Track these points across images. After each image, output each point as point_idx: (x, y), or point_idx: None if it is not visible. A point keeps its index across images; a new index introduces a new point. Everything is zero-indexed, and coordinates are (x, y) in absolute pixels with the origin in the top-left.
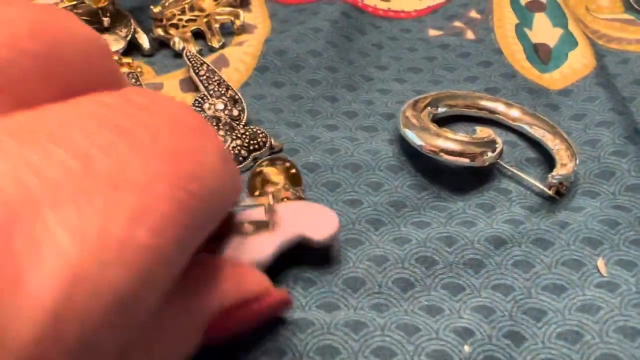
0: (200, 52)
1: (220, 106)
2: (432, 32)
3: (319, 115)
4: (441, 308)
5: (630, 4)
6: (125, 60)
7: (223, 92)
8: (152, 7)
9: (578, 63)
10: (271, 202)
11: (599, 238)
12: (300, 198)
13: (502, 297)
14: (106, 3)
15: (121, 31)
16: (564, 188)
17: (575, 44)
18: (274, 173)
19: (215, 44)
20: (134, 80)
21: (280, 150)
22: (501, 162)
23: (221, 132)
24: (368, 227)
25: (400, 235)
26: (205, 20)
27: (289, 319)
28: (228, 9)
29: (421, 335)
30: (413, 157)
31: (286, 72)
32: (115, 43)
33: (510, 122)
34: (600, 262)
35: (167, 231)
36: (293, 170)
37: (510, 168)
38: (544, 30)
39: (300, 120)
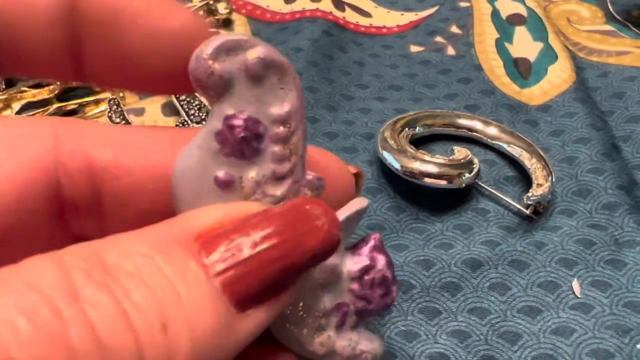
0: None
1: None
2: (414, 48)
3: None
4: (417, 333)
5: (612, 14)
6: None
7: (203, 116)
8: None
9: (557, 78)
10: None
11: (575, 258)
12: None
13: (478, 321)
14: None
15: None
16: (541, 207)
17: (555, 57)
18: None
19: None
20: (115, 106)
21: None
22: (479, 182)
23: None
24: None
25: None
26: None
27: None
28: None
29: None
30: (392, 178)
31: None
32: None
33: (488, 140)
34: (576, 283)
35: None
36: None
37: (488, 188)
38: (524, 45)
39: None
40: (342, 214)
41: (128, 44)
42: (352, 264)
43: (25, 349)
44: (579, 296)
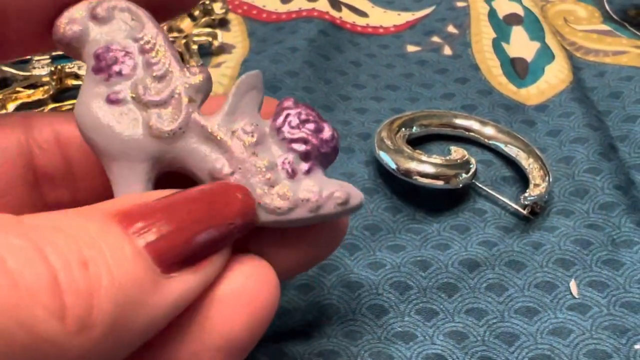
0: None
1: None
2: (410, 48)
3: None
4: (414, 334)
5: (609, 14)
6: None
7: None
8: None
9: (554, 78)
10: None
11: (572, 259)
12: None
13: (475, 322)
14: None
15: None
16: (538, 207)
17: (552, 57)
18: None
19: None
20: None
21: None
22: (476, 182)
23: None
24: (343, 252)
25: (375, 260)
26: (183, 41)
27: (264, 351)
28: (206, 30)
29: None
30: (388, 178)
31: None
32: None
33: (485, 140)
34: (573, 284)
35: None
36: None
37: (485, 188)
38: (521, 44)
39: None
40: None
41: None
42: (269, 121)
43: None
44: (577, 297)
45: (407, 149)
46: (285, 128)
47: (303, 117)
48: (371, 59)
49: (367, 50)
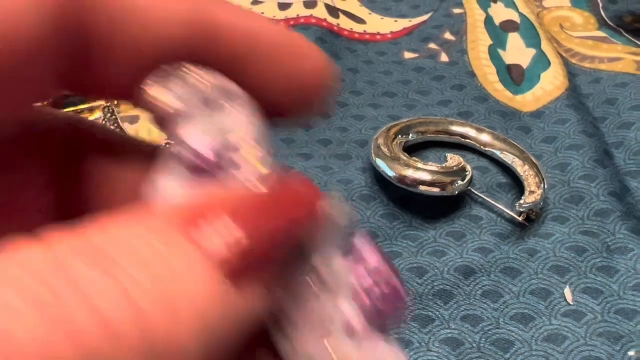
0: None
1: None
2: (407, 55)
3: (294, 143)
4: (411, 341)
5: (605, 21)
6: None
7: None
8: None
9: (550, 84)
10: None
11: (567, 266)
12: None
13: (470, 329)
14: None
15: None
16: (534, 214)
17: (548, 64)
18: None
19: None
20: (109, 114)
21: None
22: (472, 190)
23: None
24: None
25: None
26: None
27: None
28: None
29: None
30: (385, 185)
31: None
32: None
33: (481, 147)
34: (568, 291)
35: None
36: None
37: (481, 195)
38: (517, 51)
39: (274, 150)
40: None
41: None
42: (343, 263)
43: (32, 335)
44: (571, 303)
45: (404, 157)
46: (356, 279)
47: (378, 272)
48: (368, 65)
49: (365, 57)
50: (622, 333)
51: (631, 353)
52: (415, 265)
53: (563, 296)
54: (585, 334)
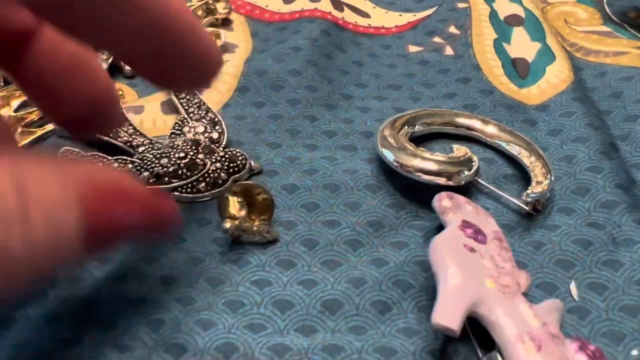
0: None
1: (201, 129)
2: (412, 48)
3: (299, 135)
4: (418, 330)
5: (609, 15)
6: None
7: (203, 114)
8: None
9: (555, 78)
10: None
11: (572, 260)
12: (263, 230)
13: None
14: None
15: (103, 53)
16: (540, 205)
17: (553, 57)
18: (233, 205)
19: None
20: None
21: (260, 172)
22: (478, 180)
23: (200, 156)
24: (347, 248)
25: (378, 256)
26: None
27: (267, 344)
28: (210, 29)
29: (398, 357)
30: (391, 175)
31: (266, 92)
32: None
33: (487, 139)
34: (573, 286)
35: None
36: (264, 196)
37: (488, 185)
38: (522, 45)
39: (280, 141)
40: None
41: None
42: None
43: None
44: (576, 299)
45: (410, 146)
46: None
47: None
48: (373, 58)
49: (369, 50)
50: (625, 332)
51: (634, 352)
52: (421, 257)
53: (569, 291)
54: (589, 333)
